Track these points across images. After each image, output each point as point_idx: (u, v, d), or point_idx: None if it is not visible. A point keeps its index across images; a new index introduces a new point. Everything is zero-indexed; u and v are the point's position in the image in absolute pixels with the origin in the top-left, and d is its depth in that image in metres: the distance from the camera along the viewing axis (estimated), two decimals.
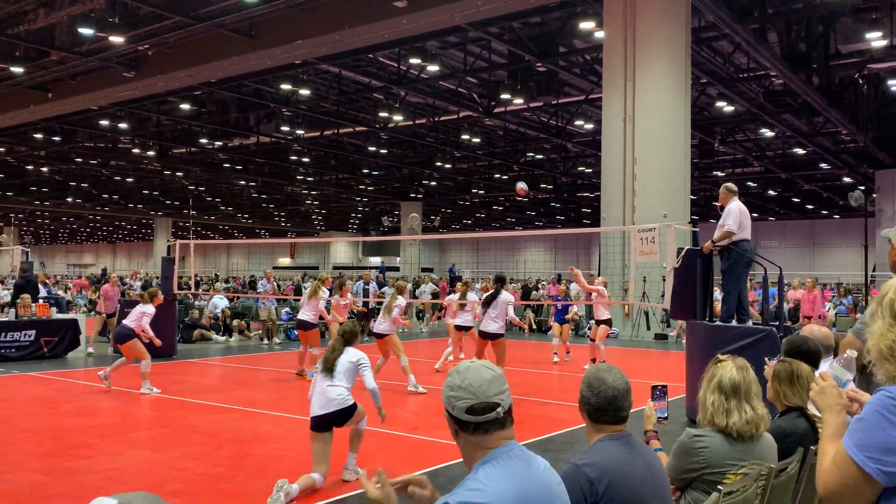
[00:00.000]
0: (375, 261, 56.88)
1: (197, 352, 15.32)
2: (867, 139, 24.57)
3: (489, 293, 10.07)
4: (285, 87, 23.24)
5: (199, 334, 17.17)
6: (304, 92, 23.42)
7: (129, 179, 41.20)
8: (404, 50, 19.90)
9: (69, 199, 48.30)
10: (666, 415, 3.32)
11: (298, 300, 14.47)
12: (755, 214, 39.02)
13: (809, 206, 43.40)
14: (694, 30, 17.59)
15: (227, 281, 35.51)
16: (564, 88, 22.89)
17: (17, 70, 21.10)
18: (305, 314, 11.56)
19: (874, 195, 29.92)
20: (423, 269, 44.90)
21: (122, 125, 28.03)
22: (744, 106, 22.51)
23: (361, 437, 5.91)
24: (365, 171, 38.03)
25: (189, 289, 17.22)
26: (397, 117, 25.31)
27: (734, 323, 8.22)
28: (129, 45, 18.93)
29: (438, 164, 35.44)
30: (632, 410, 2.58)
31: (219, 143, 31.39)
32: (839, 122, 22.61)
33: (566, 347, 14.40)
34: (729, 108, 22.93)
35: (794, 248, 45.18)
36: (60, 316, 14.83)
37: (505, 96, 21.95)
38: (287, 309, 19.00)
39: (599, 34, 18.03)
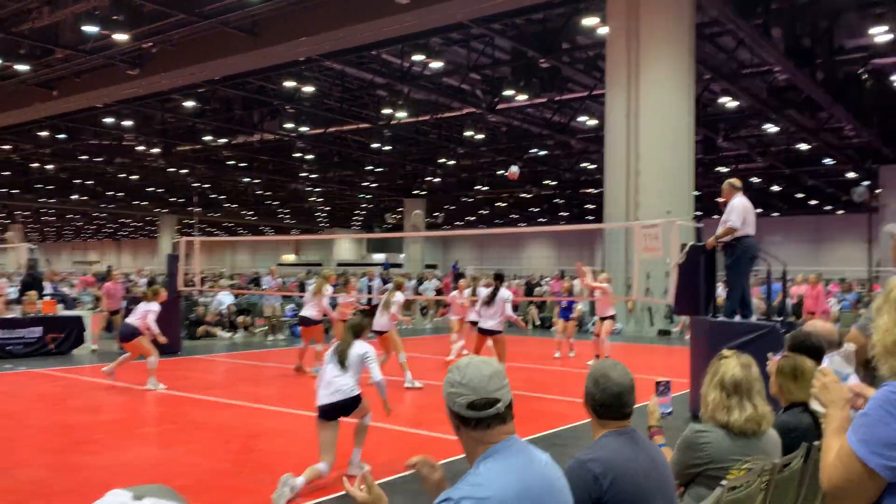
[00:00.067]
0: (379, 257, 56.86)
1: (202, 348, 15.37)
2: (871, 134, 24.50)
3: (489, 290, 10.14)
4: (289, 84, 23.24)
5: (205, 331, 17.23)
6: (308, 89, 23.42)
7: (134, 177, 41.26)
8: (407, 46, 19.88)
9: (74, 197, 48.37)
10: (670, 410, 3.34)
11: (303, 297, 14.51)
12: (759, 210, 38.81)
13: (813, 202, 43.26)
14: (697, 25, 17.54)
15: (231, 278, 35.56)
16: (568, 84, 22.86)
17: (22, 68, 21.15)
18: (309, 311, 11.60)
19: (878, 191, 29.84)
20: (427, 266, 44.86)
21: (127, 123, 28.08)
22: (748, 101, 22.45)
23: (366, 432, 5.95)
24: (368, 167, 38.03)
25: (194, 285, 17.24)
26: (400, 114, 25.30)
27: (737, 319, 8.23)
28: (134, 42, 18.96)
29: (442, 160, 35.42)
30: (636, 406, 2.59)
31: (223, 141, 31.41)
32: (843, 118, 22.55)
33: (570, 345, 14.42)
34: (733, 104, 22.87)
35: (797, 243, 45.02)
36: (66, 313, 14.89)
37: (508, 92, 21.93)
38: (292, 305, 19.03)
39: (603, 30, 18.00)
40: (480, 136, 29.51)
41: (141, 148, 33.06)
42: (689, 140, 17.68)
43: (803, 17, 18.01)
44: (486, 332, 9.89)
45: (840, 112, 21.60)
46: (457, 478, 1.92)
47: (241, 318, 18.40)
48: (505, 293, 9.92)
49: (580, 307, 16.62)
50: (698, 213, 19.31)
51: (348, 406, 5.68)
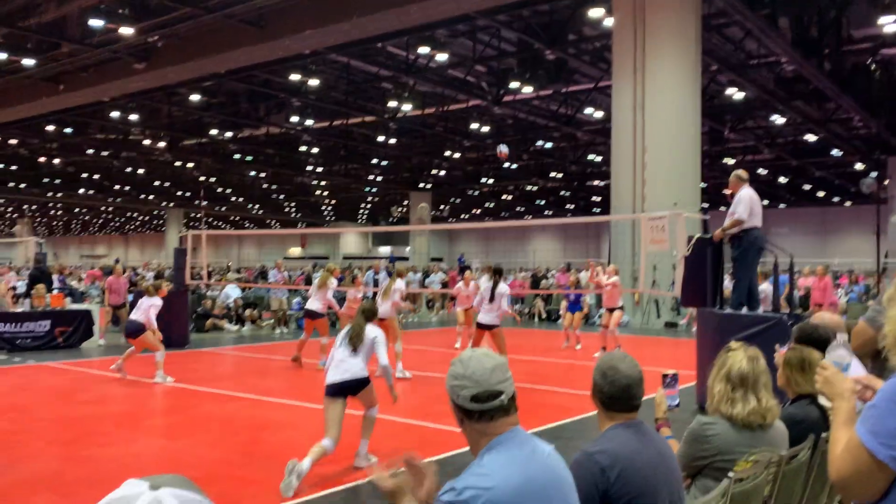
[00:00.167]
0: (385, 251, 56.90)
1: (210, 341, 15.43)
2: (880, 125, 24.35)
3: (490, 285, 10.28)
4: (294, 77, 23.23)
5: (212, 324, 17.30)
6: (314, 82, 23.41)
7: (141, 171, 41.35)
8: (413, 39, 19.84)
9: (81, 191, 48.54)
10: (677, 402, 3.34)
11: (308, 290, 14.56)
12: (766, 202, 38.86)
13: (821, 194, 43.06)
14: (704, 16, 17.45)
15: (238, 271, 35.66)
16: (574, 76, 22.79)
17: (29, 62, 21.18)
18: (314, 303, 11.65)
19: (886, 182, 29.68)
20: (433, 259, 44.92)
21: (133, 117, 28.13)
22: (754, 93, 22.34)
23: (373, 425, 5.97)
24: (374, 161, 38.01)
25: (201, 279, 17.32)
26: (406, 107, 25.27)
27: (744, 311, 8.21)
28: (140, 36, 18.96)
29: (447, 153, 35.37)
30: (643, 398, 2.60)
31: (229, 134, 31.45)
32: (851, 109, 22.42)
33: (577, 337, 14.46)
34: (739, 95, 22.76)
35: (805, 235, 44.85)
36: (74, 306, 14.97)
37: (514, 85, 21.87)
38: (298, 299, 19.09)
39: (609, 21, 17.92)
40: (486, 129, 29.46)
41: (147, 142, 33.11)
42: (695, 131, 17.62)
43: (811, 7, 17.89)
44: (483, 327, 10.03)
45: (848, 103, 21.47)
46: (461, 471, 1.94)
47: (248, 312, 18.47)
48: (503, 288, 10.09)
49: (587, 299, 16.64)
50: (705, 204, 19.29)
51: (356, 386, 5.76)
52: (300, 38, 18.32)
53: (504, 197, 50.48)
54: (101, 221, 73.67)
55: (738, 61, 20.30)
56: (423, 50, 20.21)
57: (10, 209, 61.21)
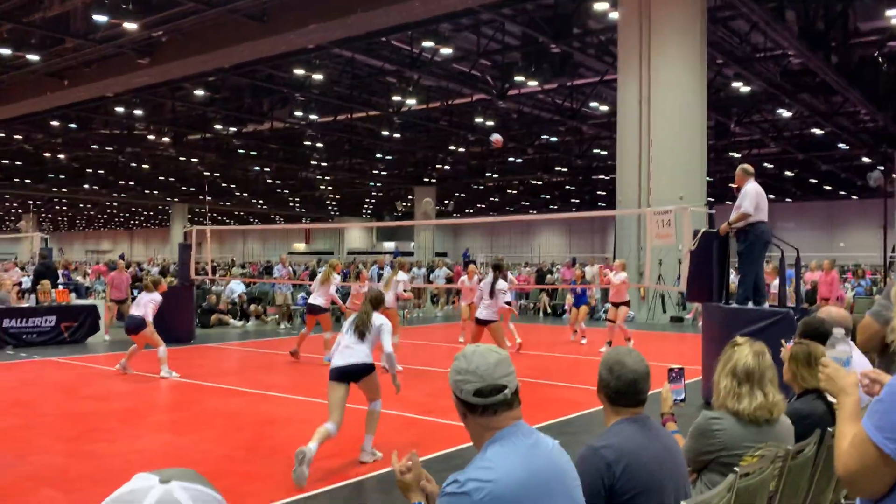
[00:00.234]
0: (389, 246, 56.97)
1: (215, 336, 15.46)
2: (887, 118, 24.23)
3: (490, 281, 10.41)
4: (298, 72, 23.21)
5: (217, 319, 17.32)
6: (318, 77, 23.38)
7: (145, 166, 41.43)
8: (417, 33, 19.80)
9: (86, 186, 48.63)
10: (683, 397, 3.33)
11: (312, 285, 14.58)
12: (772, 196, 38.62)
13: (827, 187, 42.90)
14: (710, 9, 17.36)
15: (243, 266, 35.73)
16: (579, 70, 22.71)
17: (33, 58, 21.21)
18: (317, 299, 11.69)
19: (894, 175, 29.54)
20: (438, 254, 44.92)
21: (137, 112, 28.17)
22: (761, 86, 22.23)
23: (378, 419, 5.98)
24: (378, 155, 37.99)
25: (206, 274, 17.34)
26: (410, 101, 25.23)
27: (750, 305, 8.18)
28: (143, 31, 18.96)
29: (452, 148, 35.33)
30: (649, 393, 2.58)
31: (233, 129, 31.46)
32: (858, 102, 22.30)
33: (582, 332, 14.49)
34: (745, 89, 22.66)
35: (811, 229, 44.72)
36: (80, 301, 15.00)
37: (519, 78, 21.80)
38: (303, 294, 19.10)
39: (614, 15, 17.85)
40: (491, 123, 29.40)
41: (151, 137, 33.16)
42: (701, 125, 17.55)
43: None
44: (481, 322, 10.15)
45: (855, 96, 21.36)
46: (465, 465, 1.93)
47: (252, 307, 18.50)
48: (502, 284, 10.21)
49: (594, 294, 16.67)
50: (711, 198, 19.20)
51: (360, 372, 5.81)
52: (303, 33, 18.29)
53: (509, 191, 50.43)
54: (105, 217, 73.88)
55: (745, 54, 20.20)
56: (428, 44, 20.17)
57: (15, 204, 61.41)
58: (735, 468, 2.66)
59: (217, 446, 6.44)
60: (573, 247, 53.32)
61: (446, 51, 20.52)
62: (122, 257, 35.05)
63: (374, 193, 53.58)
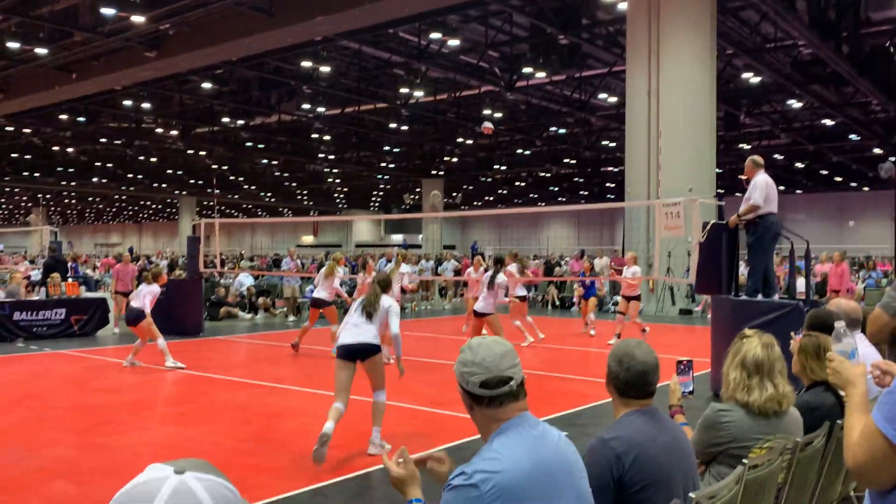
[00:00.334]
0: (397, 238, 57.00)
1: (223, 329, 15.52)
2: None
3: (490, 274, 10.53)
4: (306, 64, 23.20)
5: (226, 312, 17.39)
6: (325, 69, 23.36)
7: (153, 159, 41.55)
8: (425, 24, 19.73)
9: (95, 180, 48.84)
10: (691, 389, 3.32)
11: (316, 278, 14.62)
12: (782, 187, 38.29)
13: (838, 179, 42.62)
14: None
15: (251, 259, 35.84)
16: (588, 61, 22.59)
17: (42, 51, 21.27)
18: (320, 292, 11.73)
19: None
20: (445, 247, 44.94)
21: (145, 105, 28.22)
22: (771, 77, 22.07)
23: (383, 411, 5.99)
24: (386, 148, 37.96)
25: (215, 267, 17.40)
26: (418, 93, 25.18)
27: (760, 297, 8.14)
28: (151, 24, 18.98)
29: (460, 140, 35.26)
30: (657, 385, 2.57)
31: (241, 122, 31.49)
32: (869, 92, 22.11)
33: (592, 323, 14.59)
34: (755, 80, 22.50)
35: (821, 221, 44.48)
36: (89, 295, 15.08)
37: (527, 70, 21.71)
38: (311, 287, 19.12)
39: (623, 5, 17.74)
40: (499, 115, 29.32)
41: (159, 130, 33.23)
42: (710, 116, 17.46)
43: None
44: (478, 315, 10.26)
45: (866, 86, 21.17)
46: (473, 457, 1.93)
47: (261, 300, 18.55)
48: (501, 278, 10.25)
49: (603, 286, 16.69)
50: (720, 190, 19.12)
51: (367, 351, 5.89)
52: (311, 25, 18.26)
53: (517, 183, 50.34)
54: (114, 210, 74.18)
55: (754, 45, 20.05)
56: (435, 35, 20.10)
57: (24, 198, 61.74)
58: (744, 460, 2.65)
59: (226, 438, 6.47)
60: (582, 239, 53.24)
61: (454, 42, 20.45)
62: (130, 251, 35.24)
63: (381, 186, 53.58)
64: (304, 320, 17.27)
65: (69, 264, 17.60)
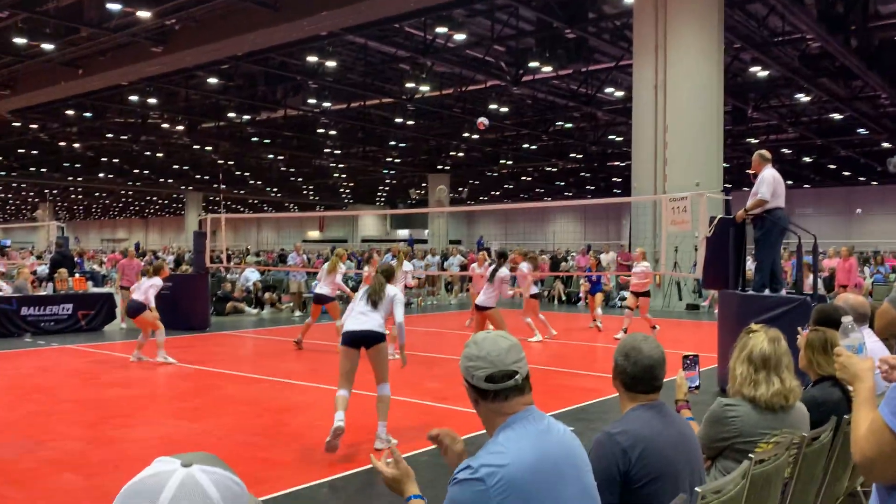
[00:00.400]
0: (403, 233, 56.99)
1: (230, 324, 15.57)
2: None
3: (492, 267, 10.58)
4: (311, 59, 23.19)
5: (232, 307, 17.44)
6: (331, 64, 23.35)
7: (160, 154, 41.63)
8: (430, 19, 19.70)
9: (101, 175, 48.96)
10: (697, 384, 3.32)
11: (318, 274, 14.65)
12: (789, 182, 38.08)
13: (846, 173, 42.41)
14: None
15: (258, 254, 35.91)
16: (594, 55, 22.51)
17: (48, 47, 21.33)
18: (323, 288, 11.77)
19: None
20: (452, 242, 44.91)
21: (151, 100, 28.28)
22: (778, 71, 21.96)
23: (388, 405, 6.01)
24: (392, 143, 37.94)
25: (221, 262, 17.44)
26: (424, 88, 25.14)
27: (767, 292, 8.12)
28: (157, 19, 19.00)
29: (466, 135, 35.21)
30: (664, 380, 2.57)
31: (247, 117, 31.52)
32: (878, 86, 21.99)
33: (599, 318, 14.64)
34: (763, 74, 22.39)
35: (829, 216, 44.28)
36: (96, 290, 15.14)
37: (533, 64, 21.66)
38: (317, 282, 19.18)
39: None
40: (505, 110, 29.27)
41: (166, 125, 33.29)
42: (717, 111, 17.38)
43: None
44: (479, 308, 10.36)
45: (875, 80, 21.06)
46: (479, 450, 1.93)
47: (267, 295, 18.59)
48: (503, 272, 10.35)
49: (609, 281, 16.72)
50: (727, 185, 19.04)
51: (372, 339, 5.93)
52: (316, 20, 18.25)
53: (523, 178, 50.25)
54: (121, 205, 74.39)
55: (762, 39, 19.94)
56: (441, 30, 20.06)
57: (31, 193, 61.94)
58: (750, 455, 2.65)
59: (235, 433, 6.50)
60: (588, 234, 53.16)
61: (460, 37, 20.41)
62: (137, 246, 35.33)
63: (387, 181, 53.56)
64: (310, 314, 17.38)
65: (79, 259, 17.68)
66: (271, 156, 41.67)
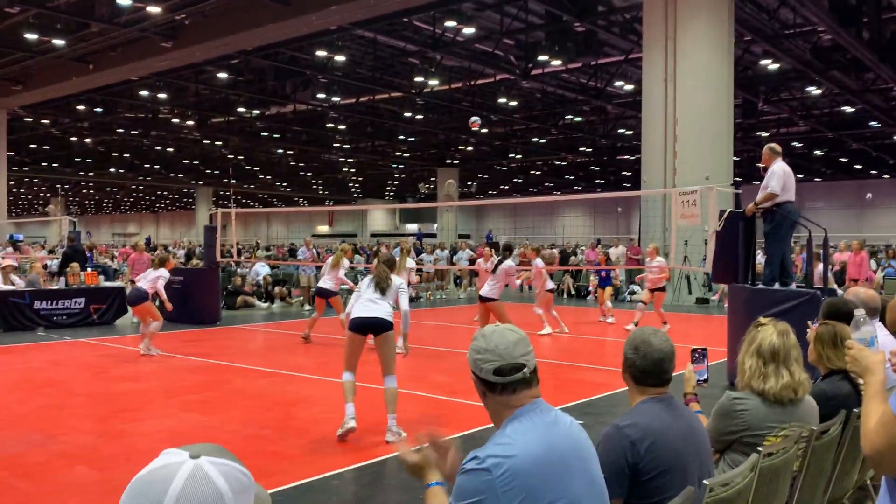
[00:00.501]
0: (412, 228, 57.03)
1: (240, 318, 15.64)
2: None
3: (497, 260, 10.61)
4: (321, 53, 23.21)
5: (243, 301, 17.51)
6: (340, 58, 23.35)
7: (170, 149, 41.80)
8: (439, 12, 19.66)
9: (112, 170, 49.21)
10: (705, 377, 3.32)
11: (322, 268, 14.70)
12: (800, 175, 38.01)
13: (858, 166, 42.11)
14: None
15: (268, 249, 36.01)
16: (603, 49, 22.42)
17: (59, 42, 21.42)
18: (326, 282, 11.80)
19: None
20: (461, 236, 44.90)
21: (162, 95, 28.37)
22: (789, 63, 21.81)
23: (396, 397, 6.04)
24: (401, 137, 37.94)
25: (231, 256, 17.51)
26: (433, 82, 25.11)
27: (777, 286, 8.09)
28: (167, 14, 19.05)
29: (475, 128, 35.10)
30: (673, 374, 2.58)
31: (256, 112, 31.59)
32: (890, 78, 21.82)
33: (609, 311, 14.71)
34: (774, 66, 22.24)
35: (840, 209, 43.99)
36: (108, 284, 15.23)
37: (542, 58, 21.58)
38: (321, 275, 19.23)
39: None
40: (514, 103, 29.20)
41: (176, 120, 33.41)
42: (728, 104, 17.28)
43: None
44: (482, 300, 10.40)
45: (887, 72, 20.89)
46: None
47: (277, 289, 18.66)
48: (506, 264, 10.44)
49: (617, 273, 16.69)
50: (737, 178, 18.95)
51: (380, 326, 6.01)
52: (325, 14, 18.25)
53: (532, 172, 50.16)
54: (131, 200, 74.75)
55: (773, 31, 19.81)
56: (450, 24, 20.02)
57: (43, 188, 62.35)
58: (758, 448, 2.65)
59: (245, 426, 6.54)
60: (597, 228, 53.02)
61: (469, 30, 20.36)
62: (148, 241, 35.50)
63: (396, 175, 53.58)
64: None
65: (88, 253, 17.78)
66: (281, 150, 41.74)
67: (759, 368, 2.95)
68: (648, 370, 2.51)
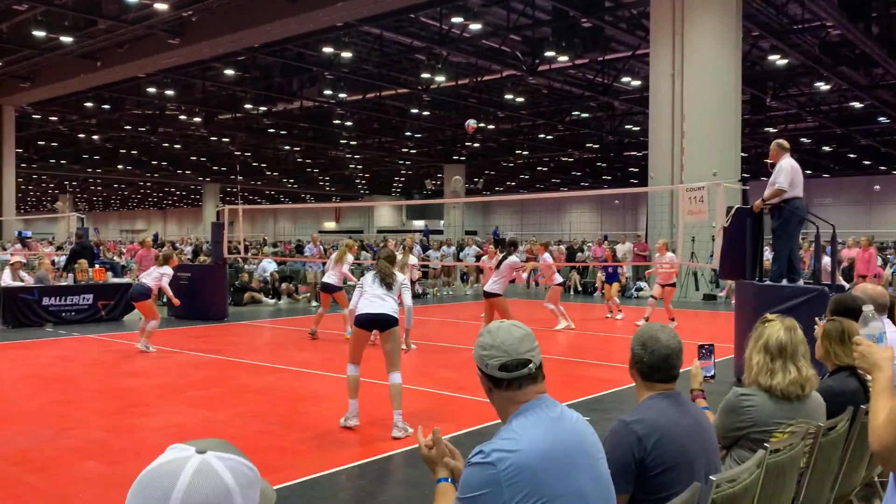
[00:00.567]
0: (419, 224, 57.04)
1: (248, 314, 15.69)
2: None
3: (501, 257, 10.64)
4: (327, 50, 23.21)
5: (250, 297, 17.56)
6: (346, 55, 23.36)
7: (177, 146, 41.91)
8: (446, 9, 19.63)
9: (120, 167, 49.38)
10: (712, 373, 3.31)
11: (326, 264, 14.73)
12: (808, 171, 37.84)
13: (866, 162, 41.89)
14: None
15: (275, 245, 36.08)
16: (611, 44, 22.35)
17: (67, 39, 21.50)
18: (330, 277, 11.83)
19: None
20: (467, 232, 44.88)
21: (169, 92, 28.44)
22: (798, 59, 21.69)
23: (400, 392, 6.07)
24: (407, 133, 37.94)
25: (238, 253, 17.55)
26: (439, 78, 25.09)
27: (784, 283, 8.07)
28: (174, 11, 19.10)
29: (481, 124, 35.08)
30: (680, 370, 2.58)
31: (263, 109, 31.64)
32: None
33: (617, 307, 14.75)
34: (782, 62, 22.13)
35: (849, 205, 43.77)
36: (116, 280, 15.30)
37: (549, 54, 21.55)
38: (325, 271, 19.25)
39: None
40: (521, 100, 29.16)
41: (183, 117, 33.49)
42: (735, 100, 17.22)
43: None
44: (486, 295, 10.42)
45: None
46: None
47: (284, 285, 18.70)
48: (510, 260, 10.47)
49: (624, 270, 16.68)
50: (745, 174, 18.88)
51: (386, 322, 6.05)
52: (332, 10, 18.26)
53: (539, 168, 50.07)
54: (139, 196, 74.99)
55: (781, 26, 19.71)
56: (457, 19, 20.00)
57: (51, 185, 62.60)
58: (765, 444, 2.65)
59: (252, 422, 6.57)
60: (604, 224, 52.94)
61: (476, 26, 20.33)
62: (155, 237, 35.59)
63: (403, 172, 53.58)
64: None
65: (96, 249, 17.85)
66: (287, 147, 41.79)
67: (766, 364, 2.94)
68: (656, 366, 2.51)
